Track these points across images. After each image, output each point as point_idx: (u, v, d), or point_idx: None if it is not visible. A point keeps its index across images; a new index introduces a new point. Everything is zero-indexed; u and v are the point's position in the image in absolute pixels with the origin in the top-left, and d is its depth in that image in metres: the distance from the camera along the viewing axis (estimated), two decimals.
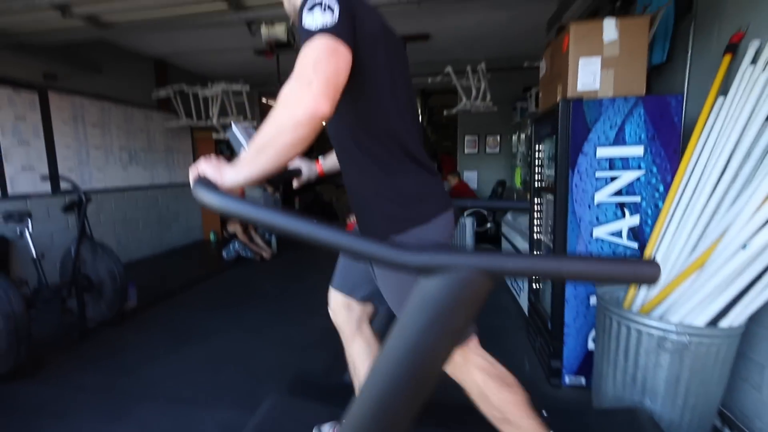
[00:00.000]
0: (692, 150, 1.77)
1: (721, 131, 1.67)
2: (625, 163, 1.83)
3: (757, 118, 1.53)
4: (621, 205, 1.86)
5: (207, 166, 0.82)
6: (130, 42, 4.78)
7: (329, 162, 1.40)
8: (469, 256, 0.56)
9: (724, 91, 1.78)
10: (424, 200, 1.00)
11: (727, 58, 1.79)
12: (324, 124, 1.11)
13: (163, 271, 4.70)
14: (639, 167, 1.82)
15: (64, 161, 4.21)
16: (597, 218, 1.87)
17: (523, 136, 5.44)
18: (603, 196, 1.86)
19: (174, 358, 2.53)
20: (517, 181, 5.76)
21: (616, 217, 1.87)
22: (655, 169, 1.82)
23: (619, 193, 1.85)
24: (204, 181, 0.74)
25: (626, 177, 1.83)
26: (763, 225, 1.18)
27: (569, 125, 1.84)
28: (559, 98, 1.94)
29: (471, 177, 6.58)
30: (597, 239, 1.88)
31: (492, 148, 6.54)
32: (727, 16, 1.93)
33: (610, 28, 1.85)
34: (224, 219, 6.57)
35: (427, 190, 1.01)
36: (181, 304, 3.59)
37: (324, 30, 0.78)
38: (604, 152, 1.83)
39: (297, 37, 4.03)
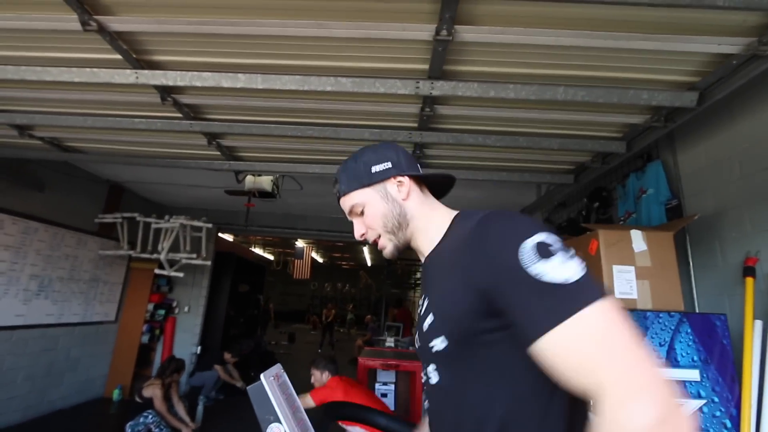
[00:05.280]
0: (749, 380, 1.61)
1: None
2: (684, 389, 1.61)
3: None
4: None
5: None
6: (88, 164, 4.40)
7: None
8: None
9: (759, 315, 1.75)
10: None
11: (750, 281, 1.81)
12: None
13: None
14: (699, 395, 1.60)
15: None
16: None
17: None
18: None
19: None
20: None
21: None
22: (716, 399, 1.60)
23: None
24: None
25: (688, 406, 1.58)
26: None
27: None
28: None
29: None
30: None
31: None
32: (727, 238, 2.05)
33: (637, 238, 1.85)
34: (141, 373, 5.31)
35: None
36: None
37: (591, 283, 0.55)
38: None
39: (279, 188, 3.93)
